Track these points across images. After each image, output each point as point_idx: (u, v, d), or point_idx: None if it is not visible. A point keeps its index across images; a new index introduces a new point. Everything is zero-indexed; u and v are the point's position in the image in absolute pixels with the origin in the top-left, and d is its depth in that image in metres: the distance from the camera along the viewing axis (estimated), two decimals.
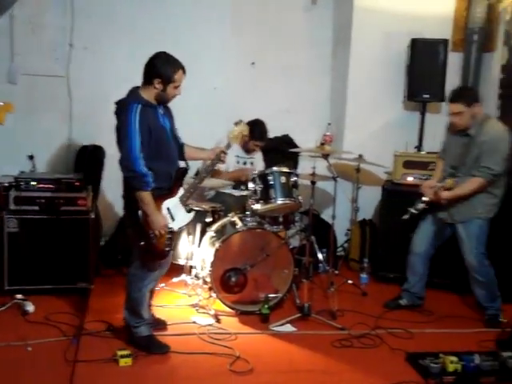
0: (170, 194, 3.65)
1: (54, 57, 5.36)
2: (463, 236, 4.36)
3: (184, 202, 3.71)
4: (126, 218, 3.76)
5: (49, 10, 5.29)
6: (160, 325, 4.09)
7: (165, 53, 3.56)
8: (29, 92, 5.26)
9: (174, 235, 3.69)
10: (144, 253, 3.62)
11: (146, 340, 3.75)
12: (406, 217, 4.33)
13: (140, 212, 3.49)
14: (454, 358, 3.58)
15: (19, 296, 4.37)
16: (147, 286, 3.76)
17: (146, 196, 3.45)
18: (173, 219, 3.63)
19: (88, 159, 5.24)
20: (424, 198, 4.29)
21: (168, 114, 3.74)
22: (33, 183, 4.58)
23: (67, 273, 4.59)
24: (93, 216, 4.68)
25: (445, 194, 4.23)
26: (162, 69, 3.49)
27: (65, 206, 4.58)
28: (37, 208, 4.54)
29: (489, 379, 3.53)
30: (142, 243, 3.54)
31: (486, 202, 4.30)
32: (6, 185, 4.61)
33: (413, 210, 4.30)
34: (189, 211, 3.76)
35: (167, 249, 3.64)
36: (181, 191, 3.70)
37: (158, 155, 3.56)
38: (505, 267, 4.70)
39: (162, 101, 3.61)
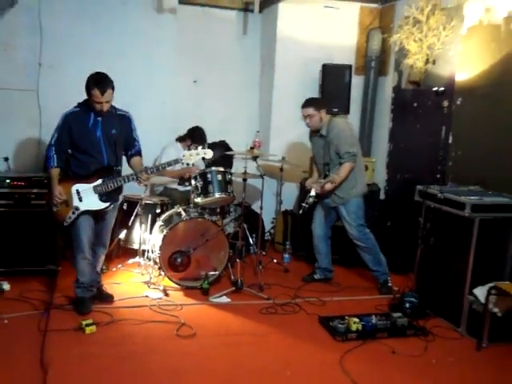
0: (84, 180, 3.71)
1: (25, 73, 5.17)
2: (344, 214, 4.52)
3: (98, 191, 3.71)
4: None
5: (21, 33, 5.10)
6: (108, 298, 4.08)
7: (98, 73, 3.63)
8: (4, 103, 5.06)
9: (78, 212, 3.72)
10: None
11: (77, 301, 3.84)
12: (301, 211, 4.48)
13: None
14: (356, 319, 3.71)
15: None
16: (77, 253, 3.80)
17: (50, 171, 3.74)
18: (80, 200, 3.70)
19: None
20: (312, 193, 4.38)
21: (111, 123, 3.73)
22: (7, 181, 4.45)
23: (38, 257, 4.50)
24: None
25: (328, 186, 4.37)
26: (87, 85, 3.58)
27: (35, 200, 4.47)
28: (11, 202, 4.42)
29: (383, 335, 3.68)
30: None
31: (356, 182, 4.49)
32: None
33: (305, 205, 4.41)
34: (104, 201, 3.76)
35: (66, 223, 3.73)
36: (97, 182, 3.71)
37: (80, 149, 3.70)
38: (394, 244, 4.91)
39: (93, 111, 3.67)
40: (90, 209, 3.74)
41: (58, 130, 3.72)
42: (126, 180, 3.77)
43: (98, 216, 3.84)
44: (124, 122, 3.82)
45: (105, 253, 4.16)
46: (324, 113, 4.47)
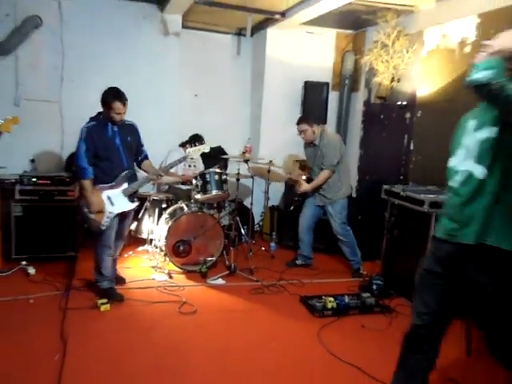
0: (112, 186, 3.60)
1: (49, 86, 5.11)
2: (331, 212, 4.54)
3: (126, 193, 3.63)
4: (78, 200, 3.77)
5: (45, 52, 5.05)
6: (120, 281, 4.01)
7: (112, 88, 3.54)
8: (31, 112, 4.98)
9: (112, 216, 3.61)
10: (89, 227, 3.65)
11: (107, 291, 3.70)
12: (291, 208, 4.80)
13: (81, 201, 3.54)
14: (332, 299, 3.72)
15: (23, 262, 4.25)
16: (104, 253, 3.67)
17: (85, 183, 3.49)
18: (112, 204, 3.59)
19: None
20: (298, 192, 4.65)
21: (125, 131, 3.65)
22: (34, 179, 4.41)
23: (60, 245, 4.47)
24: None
25: (305, 187, 4.54)
26: (106, 99, 3.49)
27: (58, 196, 4.44)
28: (37, 198, 4.38)
29: (354, 312, 3.70)
30: (86, 225, 3.63)
31: (342, 185, 4.53)
32: (13, 181, 4.42)
33: (295, 199, 4.69)
34: (132, 201, 3.69)
35: (103, 227, 3.57)
36: (124, 186, 3.62)
37: (103, 157, 3.54)
38: (364, 235, 4.92)
39: (110, 121, 3.56)
40: (122, 211, 3.65)
41: (85, 142, 3.49)
42: (147, 181, 3.74)
43: (123, 215, 3.74)
44: (133, 130, 3.75)
45: (123, 244, 4.11)
46: (315, 126, 4.49)
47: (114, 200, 3.60)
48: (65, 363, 2.77)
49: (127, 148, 3.66)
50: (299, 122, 4.54)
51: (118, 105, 3.48)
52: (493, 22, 3.94)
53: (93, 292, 3.77)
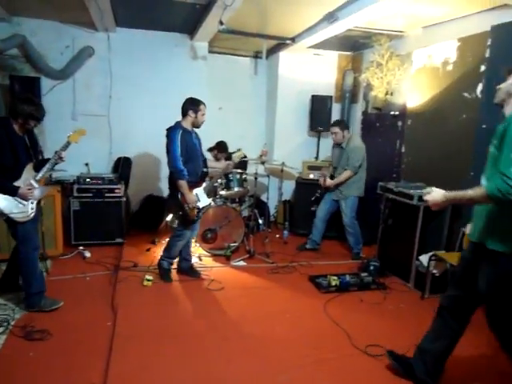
0: (197, 185, 3.60)
1: (99, 103, 5.22)
2: (343, 207, 4.49)
3: (206, 191, 3.64)
4: (170, 197, 3.65)
5: (97, 75, 5.15)
6: (196, 274, 3.86)
7: (191, 97, 3.54)
8: (85, 124, 5.02)
9: (200, 210, 3.63)
10: (182, 218, 3.60)
11: (165, 270, 3.74)
12: (313, 198, 4.75)
13: (179, 194, 3.47)
14: (335, 277, 3.73)
15: (81, 247, 4.34)
16: (181, 240, 3.70)
17: (183, 183, 3.42)
18: (199, 200, 3.60)
19: (121, 165, 5.14)
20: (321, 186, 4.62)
21: (198, 137, 3.65)
22: (88, 180, 4.51)
23: (110, 233, 4.56)
24: (124, 199, 4.62)
25: (329, 182, 4.49)
26: (193, 105, 3.48)
27: (108, 193, 4.52)
28: (91, 194, 4.47)
29: (354, 288, 3.70)
30: (181, 212, 3.54)
31: (356, 186, 4.46)
32: (72, 181, 4.53)
33: (317, 194, 4.66)
34: (209, 197, 3.68)
35: (196, 218, 3.62)
36: (204, 184, 3.64)
37: (189, 160, 3.48)
38: (363, 224, 4.90)
39: (196, 125, 3.54)
40: (204, 205, 3.63)
41: (180, 145, 3.37)
42: (219, 178, 3.77)
43: None
44: (199, 137, 3.70)
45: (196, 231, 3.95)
46: (346, 132, 4.45)
47: (200, 197, 3.60)
48: (116, 327, 2.86)
49: (201, 151, 3.67)
50: (333, 125, 4.51)
51: (203, 107, 3.48)
52: (470, 45, 3.91)
53: (137, 271, 3.84)
